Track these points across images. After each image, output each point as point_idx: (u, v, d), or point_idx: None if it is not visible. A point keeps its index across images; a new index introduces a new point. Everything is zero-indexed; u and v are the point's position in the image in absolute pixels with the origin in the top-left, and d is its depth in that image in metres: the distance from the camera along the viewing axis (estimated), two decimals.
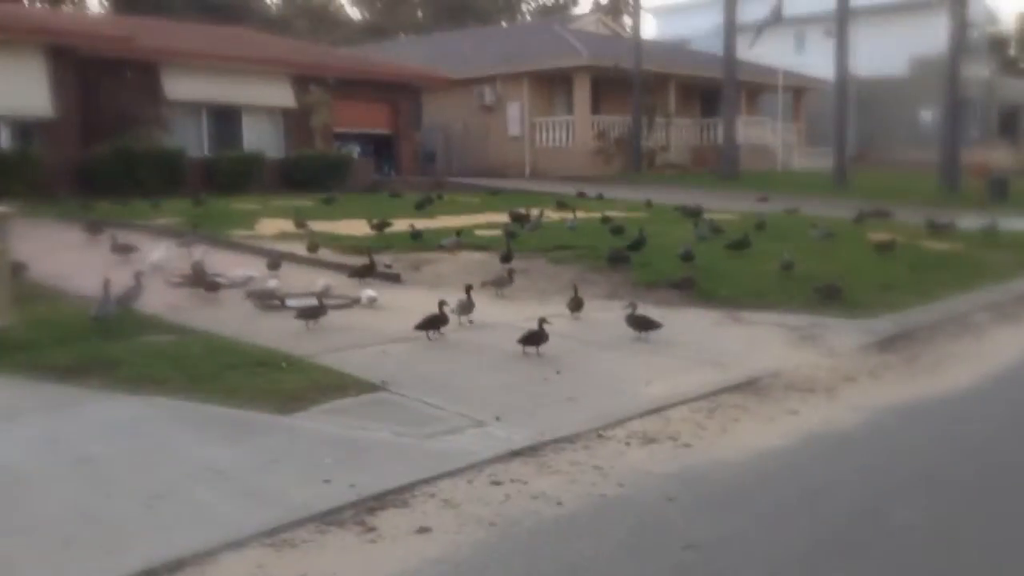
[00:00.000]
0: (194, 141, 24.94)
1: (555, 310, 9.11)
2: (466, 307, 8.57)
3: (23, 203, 17.68)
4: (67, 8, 47.89)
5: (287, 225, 14.39)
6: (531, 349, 7.31)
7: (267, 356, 6.85)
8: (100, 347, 7.03)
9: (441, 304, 7.96)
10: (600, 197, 21.91)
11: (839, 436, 5.66)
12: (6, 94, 20.77)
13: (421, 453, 5.10)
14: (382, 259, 11.44)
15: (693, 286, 9.96)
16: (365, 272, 10.64)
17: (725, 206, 20.25)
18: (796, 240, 13.26)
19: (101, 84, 23.30)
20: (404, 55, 35.67)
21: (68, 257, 11.54)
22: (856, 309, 9.32)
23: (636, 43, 32.16)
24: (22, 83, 21.07)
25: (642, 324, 8.01)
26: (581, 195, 22.28)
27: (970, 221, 16.41)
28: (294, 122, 26.87)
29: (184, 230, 13.43)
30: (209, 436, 5.30)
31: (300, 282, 10.08)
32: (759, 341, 8.15)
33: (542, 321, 7.44)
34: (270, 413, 5.70)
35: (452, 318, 8.08)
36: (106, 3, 54.63)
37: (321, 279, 9.72)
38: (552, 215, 17.91)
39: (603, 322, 8.65)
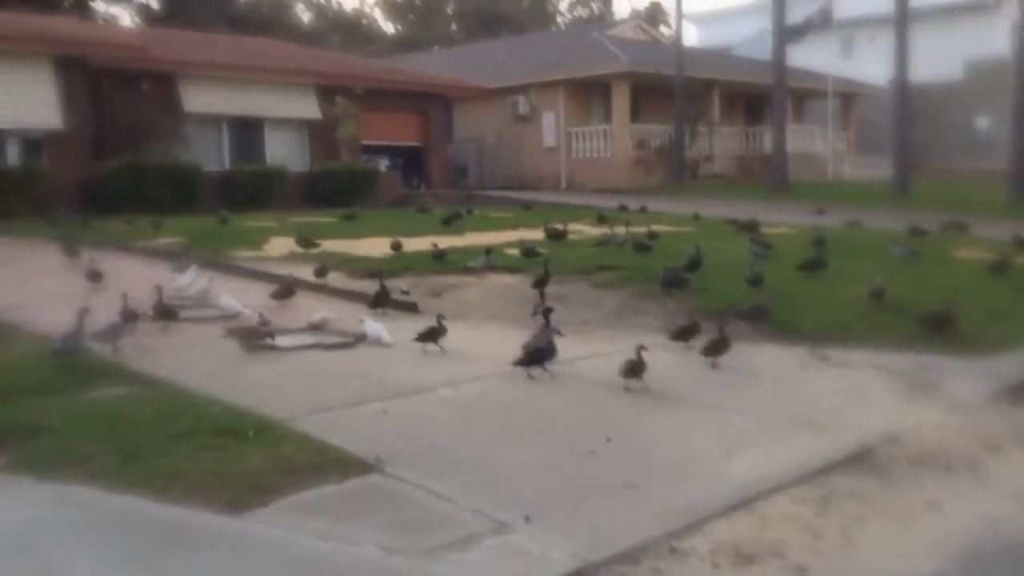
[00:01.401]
0: (214, 155, 23.72)
1: (597, 346, 7.56)
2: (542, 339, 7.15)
3: (20, 222, 16.48)
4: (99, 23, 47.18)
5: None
6: (634, 382, 6.29)
7: (234, 419, 5.32)
8: (30, 406, 5.56)
9: (549, 324, 6.84)
10: (643, 210, 20.32)
11: (1016, 549, 4.02)
12: (13, 107, 19.62)
13: None
14: (399, 284, 9.93)
15: (767, 316, 8.30)
16: (380, 301, 9.10)
17: (779, 219, 18.58)
18: (874, 259, 11.55)
19: (115, 96, 22.15)
20: (437, 66, 34.34)
21: (38, 285, 10.13)
22: (968, 345, 7.63)
23: (678, 47, 30.53)
24: (29, 95, 19.89)
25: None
26: (623, 208, 20.69)
27: None
28: (319, 135, 25.57)
29: (178, 253, 11.96)
30: (123, 554, 3.76)
31: (302, 313, 8.59)
32: (859, 390, 6.50)
33: (640, 348, 6.36)
34: (217, 511, 4.16)
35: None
36: (138, 19, 54.13)
37: (320, 311, 8.19)
38: (591, 231, 16.38)
39: (659, 364, 7.04)
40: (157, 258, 11.97)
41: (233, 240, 13.66)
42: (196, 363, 6.84)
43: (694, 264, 10.76)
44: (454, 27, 68.25)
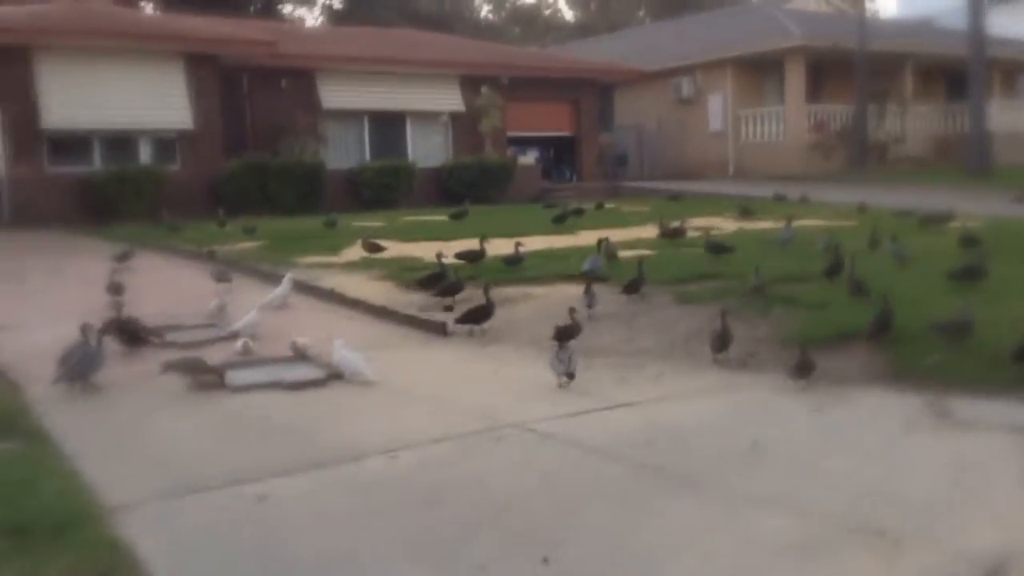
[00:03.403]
0: (354, 152, 23.15)
1: (632, 390, 5.78)
2: (566, 365, 5.74)
3: (130, 225, 16.20)
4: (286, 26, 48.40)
5: (390, 247, 11.62)
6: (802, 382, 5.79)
7: (53, 507, 3.92)
8: None
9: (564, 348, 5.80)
10: (804, 199, 17.91)
11: None
12: (146, 107, 19.61)
13: None
14: (445, 300, 8.45)
15: (968, 334, 6.11)
16: (481, 316, 7.47)
17: (968, 209, 15.75)
18: None
19: (253, 95, 21.94)
20: (603, 51, 32.61)
21: (58, 297, 9.31)
22: None
23: (860, 17, 27.41)
24: (162, 95, 19.84)
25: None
26: (779, 198, 18.37)
27: None
28: (464, 127, 24.56)
29: (217, 262, 10.91)
30: None
31: (321, 335, 7.20)
32: (975, 470, 4.41)
33: (804, 347, 5.90)
34: None
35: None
36: (322, 19, 55.28)
37: (301, 338, 6.77)
38: (728, 226, 14.34)
39: (694, 420, 5.21)
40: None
41: (313, 244, 12.60)
42: (115, 408, 5.61)
43: (834, 269, 8.68)
44: (640, 12, 65.99)
